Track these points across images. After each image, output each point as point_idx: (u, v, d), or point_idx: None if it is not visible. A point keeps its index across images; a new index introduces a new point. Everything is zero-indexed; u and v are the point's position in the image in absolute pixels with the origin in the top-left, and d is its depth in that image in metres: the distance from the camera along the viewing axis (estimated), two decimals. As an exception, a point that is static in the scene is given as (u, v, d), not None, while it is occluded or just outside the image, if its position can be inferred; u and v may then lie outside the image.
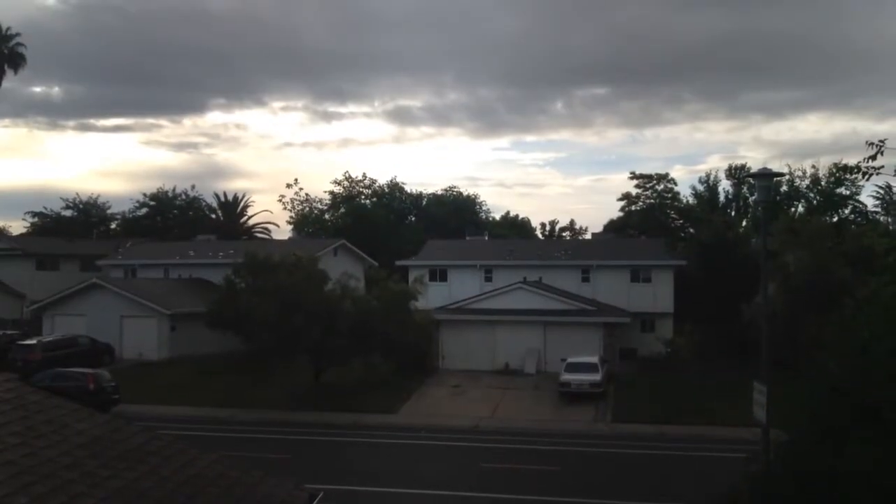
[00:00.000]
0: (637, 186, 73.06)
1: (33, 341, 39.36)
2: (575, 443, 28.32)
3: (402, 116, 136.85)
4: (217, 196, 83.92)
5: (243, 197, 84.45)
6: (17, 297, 54.58)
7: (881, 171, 9.50)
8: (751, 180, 55.14)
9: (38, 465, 7.21)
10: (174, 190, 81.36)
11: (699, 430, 29.45)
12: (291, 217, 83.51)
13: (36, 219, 78.57)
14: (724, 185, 71.33)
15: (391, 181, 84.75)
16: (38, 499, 6.66)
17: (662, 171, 73.76)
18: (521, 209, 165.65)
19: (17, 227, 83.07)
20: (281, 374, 37.16)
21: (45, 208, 78.49)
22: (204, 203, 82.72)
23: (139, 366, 41.40)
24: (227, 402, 33.91)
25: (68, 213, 78.03)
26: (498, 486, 22.25)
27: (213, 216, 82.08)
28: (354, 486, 21.71)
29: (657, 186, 72.55)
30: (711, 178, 71.85)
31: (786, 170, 65.97)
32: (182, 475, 8.36)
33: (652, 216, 69.10)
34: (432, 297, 44.10)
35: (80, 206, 78.70)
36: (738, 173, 70.03)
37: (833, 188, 64.12)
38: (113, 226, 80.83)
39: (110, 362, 40.87)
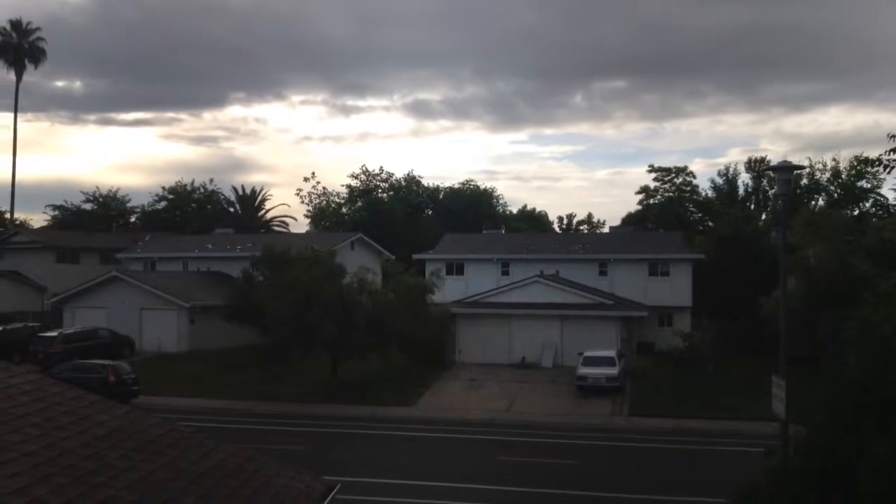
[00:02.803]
0: (655, 180, 72.71)
1: (54, 333, 39.78)
2: (592, 437, 28.27)
3: (420, 110, 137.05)
4: (235, 190, 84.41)
5: (261, 190, 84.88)
6: (38, 290, 55.14)
7: (903, 163, 9.38)
8: (770, 173, 54.69)
9: (58, 457, 7.28)
10: (192, 183, 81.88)
11: (717, 424, 29.28)
12: (309, 211, 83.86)
13: (56, 212, 79.34)
14: (744, 179, 70.74)
15: (408, 175, 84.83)
16: (59, 489, 6.73)
17: (682, 165, 73.35)
18: (538, 203, 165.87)
19: (38, 220, 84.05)
20: (298, 367, 37.33)
21: (66, 201, 79.28)
22: (222, 197, 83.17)
23: (158, 358, 41.73)
24: (244, 394, 34.13)
25: (88, 206, 78.71)
26: (515, 480, 22.26)
27: (231, 210, 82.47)
28: (371, 478, 21.78)
29: (676, 180, 72.15)
30: (731, 171, 71.29)
31: (806, 163, 65.31)
32: (200, 467, 8.42)
33: (670, 209, 68.68)
34: (449, 290, 44.07)
35: (100, 199, 79.34)
36: (757, 166, 69.41)
37: (854, 181, 63.40)
38: (132, 219, 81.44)
39: (130, 354, 41.24)
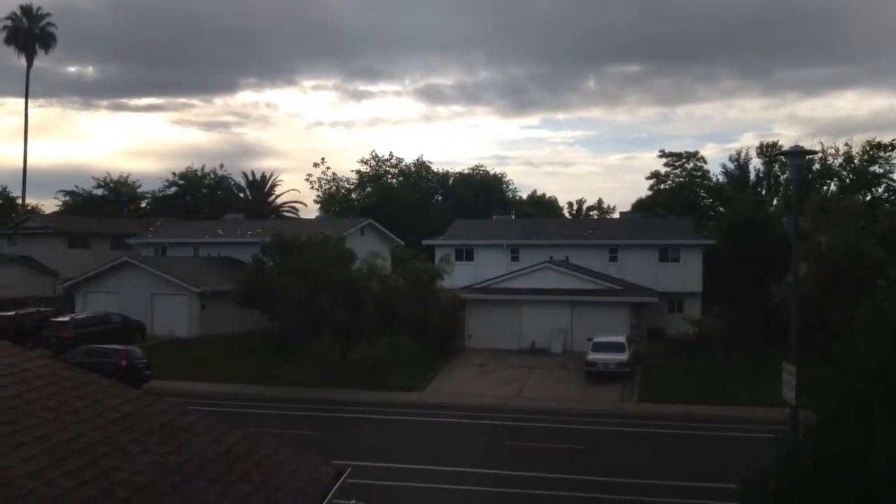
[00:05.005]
0: (666, 165, 72.49)
1: (66, 318, 40.00)
2: (601, 422, 28.30)
3: (432, 95, 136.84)
4: (245, 175, 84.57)
5: (271, 176, 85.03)
6: (50, 275, 55.49)
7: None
8: (782, 158, 54.33)
9: (71, 440, 7.35)
10: (203, 169, 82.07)
11: (727, 410, 29.27)
12: (318, 196, 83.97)
13: (68, 197, 79.75)
14: (755, 164, 70.41)
15: (418, 160, 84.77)
16: (72, 472, 6.79)
17: (693, 150, 73.15)
18: (548, 188, 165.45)
19: (50, 205, 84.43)
20: (308, 352, 37.44)
21: (77, 187, 79.67)
22: (232, 182, 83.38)
23: (170, 343, 41.96)
24: (255, 379, 34.29)
25: (99, 192, 79.02)
26: (523, 465, 22.32)
27: (242, 195, 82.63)
28: (381, 462, 21.90)
29: (687, 165, 71.84)
30: (742, 156, 70.95)
31: (819, 148, 64.87)
32: (212, 450, 8.48)
33: (681, 195, 68.43)
34: (459, 276, 44.10)
35: (111, 185, 79.63)
36: (769, 151, 69.02)
37: (866, 166, 62.97)
38: (143, 205, 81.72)
39: (141, 339, 41.48)
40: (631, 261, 46.66)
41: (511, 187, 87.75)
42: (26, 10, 71.95)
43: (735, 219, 49.02)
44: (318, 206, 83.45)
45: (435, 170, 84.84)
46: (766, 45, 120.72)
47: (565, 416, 29.18)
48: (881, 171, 62.90)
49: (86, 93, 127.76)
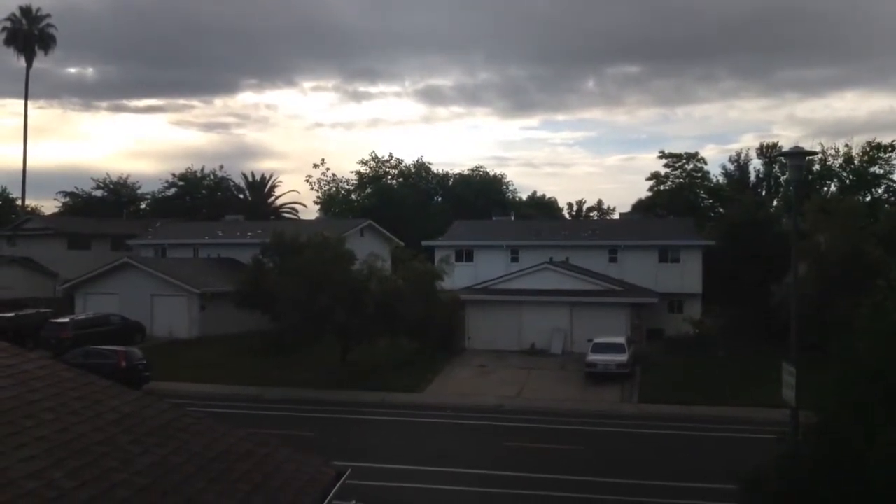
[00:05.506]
0: (666, 166, 72.46)
1: (66, 319, 39.94)
2: (601, 423, 28.30)
3: (432, 96, 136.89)
4: (245, 176, 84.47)
5: (271, 177, 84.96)
6: (50, 276, 55.44)
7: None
8: (782, 159, 54.32)
9: (71, 441, 7.35)
10: (202, 170, 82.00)
11: (726, 410, 29.27)
12: (318, 197, 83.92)
13: (67, 199, 79.68)
14: (755, 164, 70.42)
15: (417, 161, 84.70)
16: (73, 473, 6.80)
17: (693, 151, 73.29)
18: (547, 189, 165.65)
19: (49, 206, 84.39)
20: (308, 352, 37.46)
21: (77, 188, 79.62)
22: (232, 183, 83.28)
23: (169, 344, 41.92)
24: (255, 379, 34.27)
25: (99, 193, 78.98)
26: (522, 465, 22.32)
27: (241, 196, 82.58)
28: (380, 463, 21.90)
29: (686, 166, 71.84)
30: (742, 157, 70.97)
31: (818, 148, 64.83)
32: (211, 451, 8.48)
33: (681, 196, 68.40)
34: (458, 277, 44.08)
35: (111, 186, 79.59)
36: (769, 152, 69.02)
37: (866, 167, 62.96)
38: (143, 206, 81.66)
39: (141, 340, 41.45)
40: (631, 261, 46.63)
41: (511, 188, 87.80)
42: (26, 11, 71.97)
43: (735, 219, 49.00)
44: (317, 207, 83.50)
45: (435, 171, 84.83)
46: (766, 45, 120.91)
47: (565, 416, 29.18)
48: (881, 171, 62.89)
49: (86, 94, 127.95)
